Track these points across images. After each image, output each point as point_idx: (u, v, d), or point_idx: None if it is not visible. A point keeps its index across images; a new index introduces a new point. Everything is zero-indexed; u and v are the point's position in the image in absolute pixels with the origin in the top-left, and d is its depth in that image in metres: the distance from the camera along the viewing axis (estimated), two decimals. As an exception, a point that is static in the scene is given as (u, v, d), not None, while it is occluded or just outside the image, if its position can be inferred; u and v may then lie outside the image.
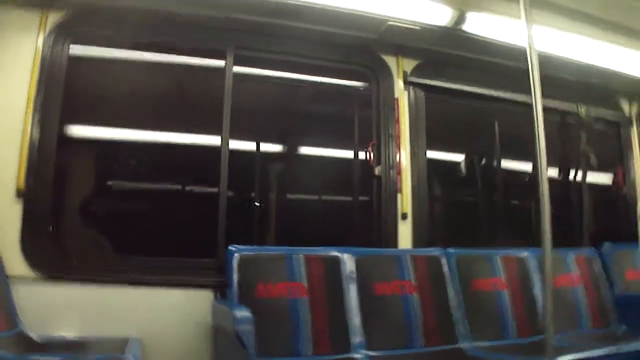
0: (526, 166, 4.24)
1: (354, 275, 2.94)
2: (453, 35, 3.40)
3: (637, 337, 3.10)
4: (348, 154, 3.73)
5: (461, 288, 3.15)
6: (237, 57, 3.30)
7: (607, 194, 4.49)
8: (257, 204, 3.47)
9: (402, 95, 3.62)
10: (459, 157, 4.17)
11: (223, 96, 3.21)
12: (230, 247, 2.78)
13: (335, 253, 2.97)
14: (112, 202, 3.20)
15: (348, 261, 2.97)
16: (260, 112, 3.69)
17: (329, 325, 2.77)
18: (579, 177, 4.26)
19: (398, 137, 3.54)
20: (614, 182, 4.42)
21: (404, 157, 3.54)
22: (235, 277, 2.70)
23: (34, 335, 2.48)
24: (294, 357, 2.64)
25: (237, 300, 2.63)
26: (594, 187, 4.40)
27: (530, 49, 2.21)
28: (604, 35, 3.70)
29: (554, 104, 4.01)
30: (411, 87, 3.66)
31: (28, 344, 2.38)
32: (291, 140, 3.77)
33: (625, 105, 4.49)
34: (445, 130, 4.00)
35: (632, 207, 4.33)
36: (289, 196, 3.75)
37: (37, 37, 2.88)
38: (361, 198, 3.61)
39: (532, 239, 3.91)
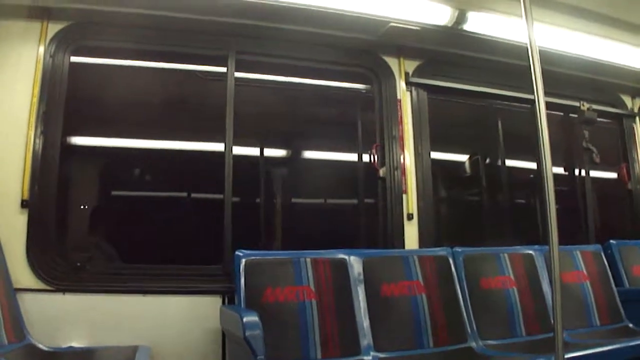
0: (530, 164, 4.23)
1: (362, 277, 2.92)
2: (454, 34, 3.41)
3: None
4: (352, 156, 3.72)
5: (469, 287, 3.14)
6: (238, 62, 3.29)
7: (612, 190, 4.49)
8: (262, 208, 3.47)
9: (404, 96, 3.62)
10: (463, 157, 4.16)
11: (225, 102, 3.21)
12: (237, 253, 2.76)
13: (342, 256, 2.95)
14: (117, 211, 3.20)
15: (355, 263, 2.95)
16: (263, 117, 3.69)
17: (338, 328, 2.76)
18: (583, 173, 4.25)
19: (402, 138, 3.54)
20: (618, 177, 4.41)
21: (408, 158, 3.53)
22: (242, 282, 2.68)
23: (42, 346, 2.47)
24: (303, 360, 2.63)
25: (245, 305, 2.62)
26: (599, 182, 4.39)
27: (531, 46, 2.20)
28: (606, 31, 3.70)
29: (556, 100, 4.00)
30: (413, 88, 3.65)
31: (37, 356, 2.37)
32: (295, 145, 3.77)
33: (628, 100, 4.49)
34: (448, 130, 3.99)
35: (637, 202, 4.32)
36: (295, 200, 3.74)
37: (38, 47, 2.89)
38: (367, 200, 3.60)
39: (538, 236, 3.92)
